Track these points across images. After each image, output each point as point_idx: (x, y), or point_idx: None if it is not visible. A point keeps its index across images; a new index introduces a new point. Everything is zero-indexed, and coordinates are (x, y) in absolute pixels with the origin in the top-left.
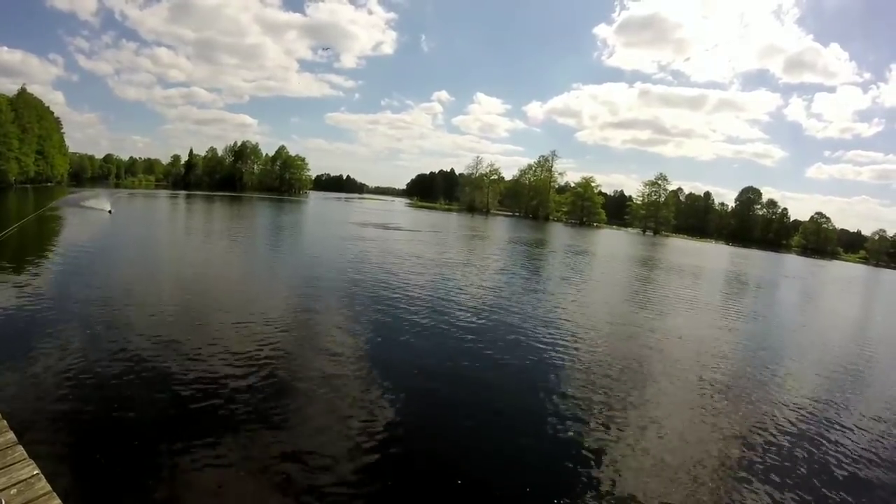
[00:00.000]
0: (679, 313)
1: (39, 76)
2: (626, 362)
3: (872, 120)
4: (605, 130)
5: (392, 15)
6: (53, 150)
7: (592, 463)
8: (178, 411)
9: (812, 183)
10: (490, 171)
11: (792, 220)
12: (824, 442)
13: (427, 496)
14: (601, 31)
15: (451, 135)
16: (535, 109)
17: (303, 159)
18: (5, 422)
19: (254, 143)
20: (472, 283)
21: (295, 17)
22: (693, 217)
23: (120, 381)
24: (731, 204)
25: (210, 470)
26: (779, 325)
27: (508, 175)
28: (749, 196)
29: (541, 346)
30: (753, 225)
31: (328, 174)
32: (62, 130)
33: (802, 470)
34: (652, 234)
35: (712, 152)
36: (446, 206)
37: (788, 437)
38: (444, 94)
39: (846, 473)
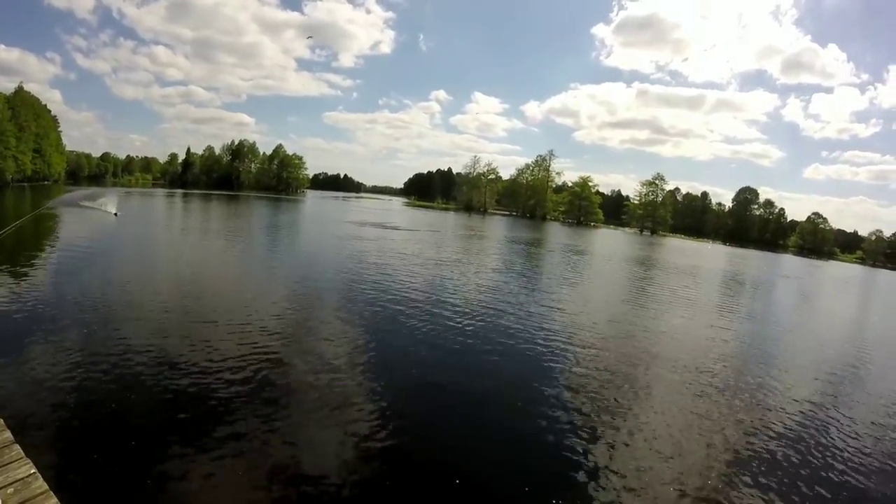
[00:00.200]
0: (676, 313)
1: (37, 74)
2: (624, 362)
3: (870, 121)
4: (602, 130)
5: (390, 14)
6: (50, 148)
7: (591, 462)
8: (176, 410)
9: (809, 183)
10: (487, 170)
11: (789, 220)
12: (821, 442)
13: (426, 495)
14: (599, 30)
15: (449, 134)
16: (533, 109)
17: (300, 158)
18: (2, 420)
19: (251, 141)
20: (469, 282)
21: (293, 15)
22: (690, 217)
23: (117, 380)
24: (728, 204)
25: (207, 469)
26: (775, 326)
27: (506, 174)
28: (746, 196)
29: (538, 345)
30: (750, 225)
31: (326, 173)
32: (59, 129)
33: (799, 469)
34: (649, 233)
35: (710, 152)
36: (444, 206)
37: (786, 437)
38: (442, 94)
39: (843, 473)
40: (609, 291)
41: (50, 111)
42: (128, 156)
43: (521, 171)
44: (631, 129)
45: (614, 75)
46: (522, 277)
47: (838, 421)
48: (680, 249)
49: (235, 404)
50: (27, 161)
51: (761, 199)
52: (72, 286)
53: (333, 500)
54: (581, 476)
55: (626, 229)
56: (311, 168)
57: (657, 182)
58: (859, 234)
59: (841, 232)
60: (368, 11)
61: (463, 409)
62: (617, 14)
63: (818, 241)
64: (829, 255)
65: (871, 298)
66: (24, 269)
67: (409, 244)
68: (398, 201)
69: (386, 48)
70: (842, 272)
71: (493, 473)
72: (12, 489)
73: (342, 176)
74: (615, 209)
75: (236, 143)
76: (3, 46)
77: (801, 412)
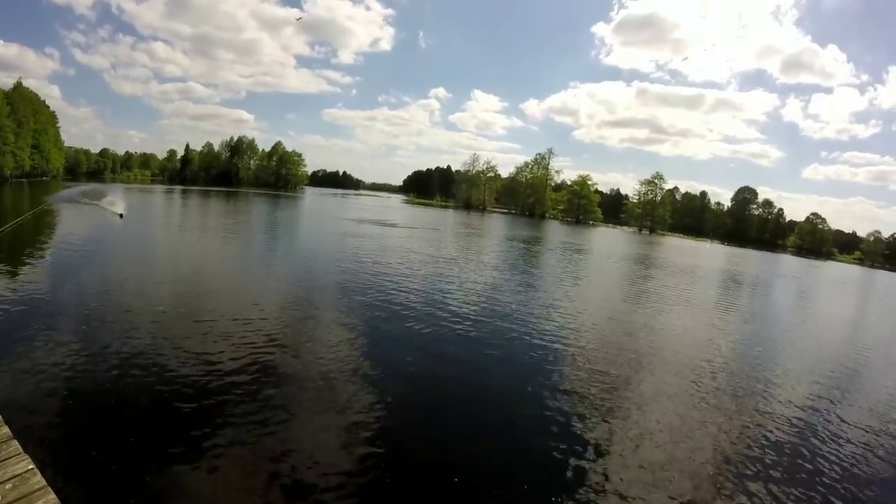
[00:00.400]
0: (675, 312)
1: (35, 70)
2: (623, 361)
3: (869, 121)
4: (602, 129)
5: (390, 11)
6: (49, 144)
7: (591, 462)
8: (175, 407)
9: (808, 183)
10: (487, 168)
11: (788, 220)
12: (820, 443)
13: (425, 494)
14: (599, 29)
15: (449, 132)
16: (533, 107)
17: (299, 155)
18: (0, 416)
19: (250, 138)
20: (469, 280)
21: (292, 12)
22: (689, 216)
23: (116, 377)
24: (727, 203)
25: (206, 466)
26: (774, 326)
27: (505, 172)
28: (745, 196)
29: (537, 343)
30: (749, 225)
31: (325, 170)
32: (58, 125)
33: (798, 470)
34: (648, 232)
35: (709, 152)
36: (443, 203)
37: (784, 438)
38: (441, 91)
39: (841, 473)
40: (608, 290)
41: (48, 107)
42: (126, 152)
43: (520, 170)
44: (630, 128)
45: (614, 74)
46: (522, 276)
47: (837, 422)
48: (678, 248)
49: (234, 402)
50: (26, 157)
51: (760, 198)
52: (72, 283)
53: (333, 500)
54: (581, 476)
55: (625, 228)
56: (310, 165)
57: (656, 181)
58: (858, 234)
59: (839, 232)
60: (368, 8)
61: (462, 408)
62: (617, 13)
63: (817, 241)
64: (828, 256)
65: (869, 299)
66: (24, 268)
67: (408, 242)
68: (397, 199)
69: (385, 45)
70: (840, 273)
71: (493, 472)
72: (10, 485)
73: (341, 173)
74: (614, 208)
75: (235, 139)
76: (1, 42)
77: (800, 413)
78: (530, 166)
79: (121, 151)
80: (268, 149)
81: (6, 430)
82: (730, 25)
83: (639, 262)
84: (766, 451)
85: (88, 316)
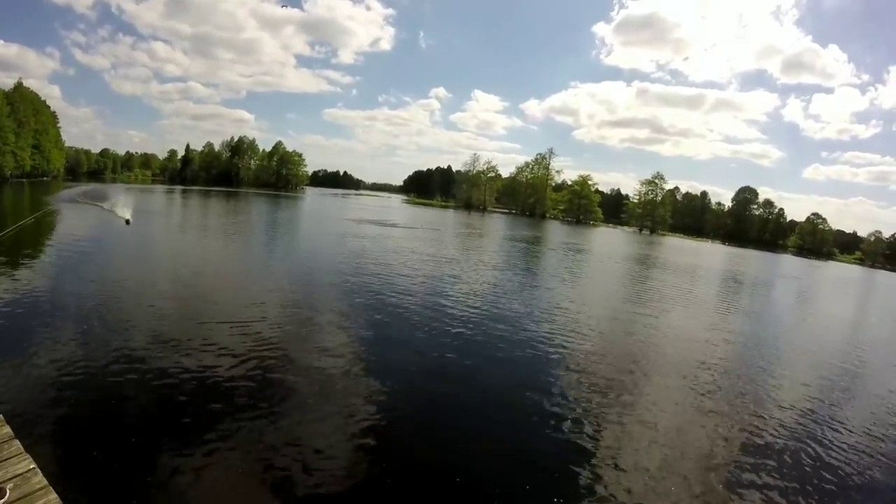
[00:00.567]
0: (676, 312)
1: (36, 70)
2: (624, 360)
3: (870, 121)
4: (602, 129)
5: (390, 11)
6: (49, 144)
7: (591, 461)
8: (176, 407)
9: (809, 184)
10: (487, 168)
11: (788, 220)
12: (819, 442)
13: (426, 494)
14: (600, 29)
15: (449, 132)
16: (533, 107)
17: (300, 155)
18: (2, 416)
19: (251, 138)
20: (469, 280)
21: (293, 12)
22: (689, 216)
23: (117, 377)
24: (727, 204)
25: (206, 465)
26: (774, 326)
27: (506, 172)
28: (746, 196)
29: (538, 343)
30: (750, 225)
31: (325, 170)
32: (58, 125)
33: (798, 471)
34: (648, 232)
35: (710, 152)
36: (443, 203)
37: (783, 438)
38: (441, 91)
39: (842, 475)
40: (609, 290)
41: (49, 107)
42: (127, 152)
43: (520, 170)
44: (631, 128)
45: (614, 74)
46: (522, 276)
47: (837, 424)
48: (679, 248)
49: (235, 402)
50: (26, 157)
51: (761, 199)
52: (72, 283)
53: (333, 500)
54: (582, 477)
55: (626, 228)
56: (311, 165)
57: (656, 181)
58: (858, 235)
59: (840, 233)
60: (368, 8)
61: (463, 409)
62: (617, 13)
63: (817, 241)
64: (828, 256)
65: (870, 299)
66: (25, 269)
67: (409, 242)
68: (397, 199)
69: (386, 45)
70: (840, 273)
71: (494, 473)
72: (12, 484)
73: (341, 173)
74: (614, 208)
75: (236, 139)
76: (2, 42)
77: (800, 414)
78: (531, 166)
79: (121, 151)
80: (268, 149)
81: (8, 429)
82: (730, 25)
83: (640, 262)
84: (767, 452)
85: (90, 316)
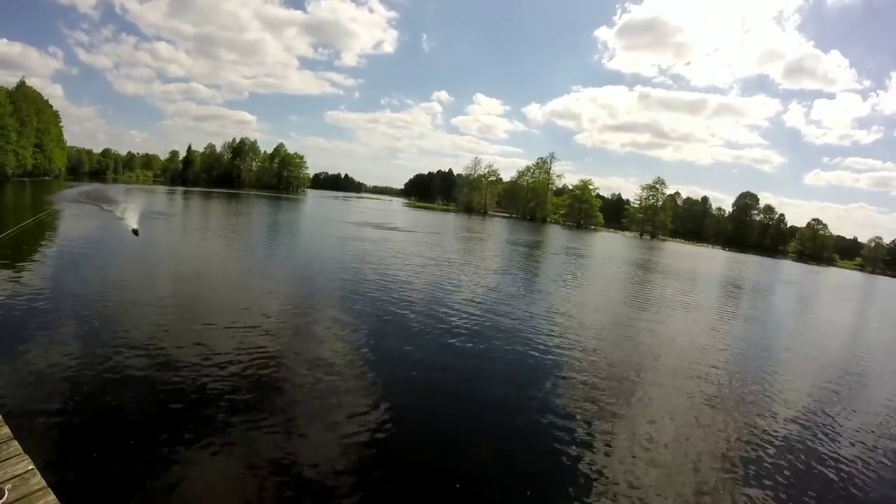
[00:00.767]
0: (676, 317)
1: (38, 69)
2: (624, 365)
3: (871, 127)
4: (604, 133)
5: (393, 14)
6: (52, 143)
7: (591, 466)
8: (175, 409)
9: (810, 189)
10: (488, 172)
11: (789, 226)
12: (819, 448)
13: (426, 497)
14: (602, 33)
15: (450, 135)
16: (535, 111)
17: (301, 157)
18: (0, 417)
19: (252, 140)
20: (470, 284)
21: (296, 14)
22: (690, 221)
23: (116, 379)
24: (728, 209)
25: (206, 467)
26: (774, 331)
27: (507, 176)
28: (746, 201)
29: (539, 347)
30: (750, 230)
31: (326, 173)
32: (61, 124)
33: (798, 475)
34: (649, 237)
35: (711, 157)
36: (444, 207)
37: (784, 444)
38: (443, 94)
39: (843, 477)
40: (609, 295)
41: (51, 106)
42: (129, 152)
43: (521, 174)
44: (632, 133)
45: (616, 78)
46: (523, 280)
47: (838, 428)
48: (679, 253)
49: (235, 404)
50: (28, 156)
51: (761, 204)
52: (72, 283)
53: (334, 500)
54: (583, 481)
55: (626, 233)
56: (312, 167)
57: (657, 186)
58: (859, 240)
59: (840, 238)
60: (371, 11)
61: (463, 412)
62: (619, 17)
63: (818, 247)
64: (829, 262)
65: (870, 305)
66: (25, 270)
67: (409, 245)
68: (398, 202)
69: (388, 48)
70: (841, 279)
71: (495, 477)
72: (10, 485)
73: (343, 176)
74: (615, 213)
75: (237, 141)
76: (5, 41)
77: (800, 418)
78: (532, 170)
79: (123, 151)
80: (270, 151)
81: (6, 430)
82: (732, 30)
83: (640, 267)
84: (768, 457)
85: (90, 317)
